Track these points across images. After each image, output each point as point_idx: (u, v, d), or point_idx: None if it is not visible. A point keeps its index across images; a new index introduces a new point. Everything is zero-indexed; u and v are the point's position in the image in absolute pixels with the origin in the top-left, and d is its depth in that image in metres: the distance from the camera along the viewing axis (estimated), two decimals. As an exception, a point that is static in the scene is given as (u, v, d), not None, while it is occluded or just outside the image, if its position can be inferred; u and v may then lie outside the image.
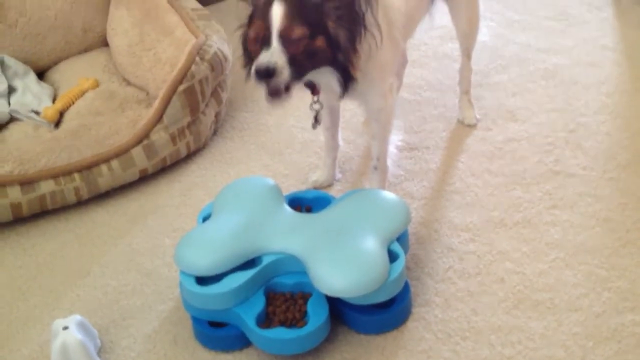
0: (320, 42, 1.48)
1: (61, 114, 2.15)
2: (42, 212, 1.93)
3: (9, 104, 2.19)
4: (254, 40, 1.51)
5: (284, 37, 1.46)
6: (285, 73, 1.46)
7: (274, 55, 1.45)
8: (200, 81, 2.07)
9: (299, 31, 1.45)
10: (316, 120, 1.72)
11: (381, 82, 1.67)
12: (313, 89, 1.65)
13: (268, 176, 1.74)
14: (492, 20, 2.61)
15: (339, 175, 1.98)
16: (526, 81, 2.29)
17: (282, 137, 2.14)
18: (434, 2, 1.90)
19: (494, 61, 2.40)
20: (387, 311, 1.53)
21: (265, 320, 1.50)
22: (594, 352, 1.46)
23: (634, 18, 2.57)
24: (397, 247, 1.54)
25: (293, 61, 1.46)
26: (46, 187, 1.90)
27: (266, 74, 1.45)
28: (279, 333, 1.45)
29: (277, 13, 1.45)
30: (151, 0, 2.31)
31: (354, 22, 1.49)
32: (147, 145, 2.00)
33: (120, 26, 2.32)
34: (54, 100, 2.23)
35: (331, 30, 1.48)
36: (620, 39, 2.46)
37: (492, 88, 2.27)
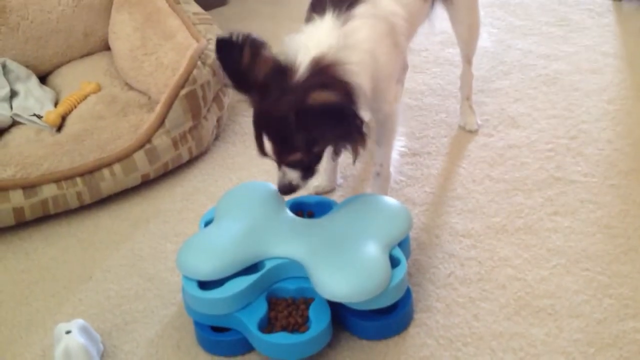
0: (319, 148, 1.54)
1: (63, 118, 2.15)
2: (45, 217, 1.94)
3: (11, 107, 2.19)
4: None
5: (285, 163, 1.54)
6: (302, 182, 1.57)
7: (286, 177, 1.57)
8: (202, 86, 2.07)
9: (294, 157, 1.52)
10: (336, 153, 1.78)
11: (387, 90, 1.69)
12: None
13: (270, 181, 1.75)
14: (494, 26, 2.62)
15: (340, 181, 1.99)
16: (527, 87, 2.30)
17: (284, 142, 2.14)
18: (433, 7, 1.91)
19: (495, 67, 2.40)
20: (389, 317, 1.53)
21: (268, 325, 1.50)
22: (595, 358, 1.46)
23: (635, 25, 2.58)
24: (398, 253, 1.54)
25: (304, 166, 1.55)
26: (48, 191, 1.91)
27: (289, 191, 1.59)
28: (281, 338, 1.45)
29: (269, 149, 1.52)
30: (153, 5, 2.32)
31: (344, 123, 1.46)
32: (149, 149, 2.00)
33: (122, 30, 2.33)
34: (55, 104, 2.23)
35: (325, 140, 1.53)
36: (621, 46, 2.47)
37: (493, 94, 2.28)
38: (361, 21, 1.58)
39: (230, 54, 1.49)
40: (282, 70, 1.48)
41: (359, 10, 1.58)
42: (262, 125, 1.51)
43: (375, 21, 1.61)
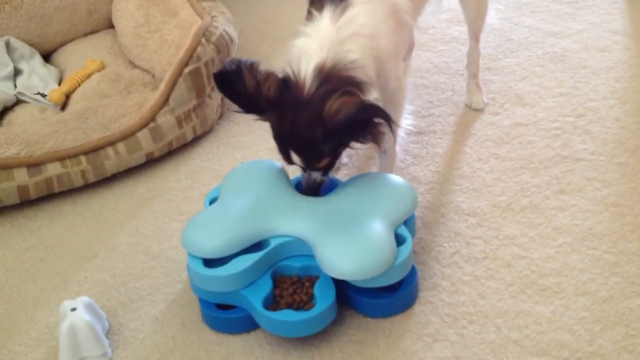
0: (343, 147, 1.58)
1: (67, 97, 2.15)
2: (49, 195, 1.93)
3: (15, 86, 2.19)
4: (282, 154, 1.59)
5: (314, 169, 1.57)
6: (325, 177, 1.60)
7: (311, 177, 1.59)
8: (206, 63, 2.06)
9: (323, 163, 1.55)
10: None
11: (393, 68, 1.68)
12: None
13: (274, 159, 1.74)
14: (501, 3, 2.59)
15: (345, 160, 1.98)
16: (534, 65, 2.28)
17: (289, 121, 2.13)
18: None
19: (502, 45, 2.38)
20: (394, 294, 1.53)
21: (273, 303, 1.50)
22: (601, 336, 1.46)
23: (643, 2, 2.55)
24: (404, 231, 1.54)
25: (326, 168, 1.58)
26: (53, 169, 1.90)
27: (315, 190, 1.61)
28: (287, 315, 1.45)
29: (297, 160, 1.54)
30: (156, -18, 2.29)
31: (366, 125, 1.50)
32: (153, 128, 2.00)
33: (126, 8, 2.31)
34: (59, 83, 2.22)
35: (350, 140, 1.56)
36: (630, 23, 2.44)
37: (500, 72, 2.26)
38: (360, 6, 1.57)
39: (232, 84, 1.50)
40: (290, 85, 1.49)
41: None
42: (287, 142, 1.53)
43: (375, 4, 1.59)
